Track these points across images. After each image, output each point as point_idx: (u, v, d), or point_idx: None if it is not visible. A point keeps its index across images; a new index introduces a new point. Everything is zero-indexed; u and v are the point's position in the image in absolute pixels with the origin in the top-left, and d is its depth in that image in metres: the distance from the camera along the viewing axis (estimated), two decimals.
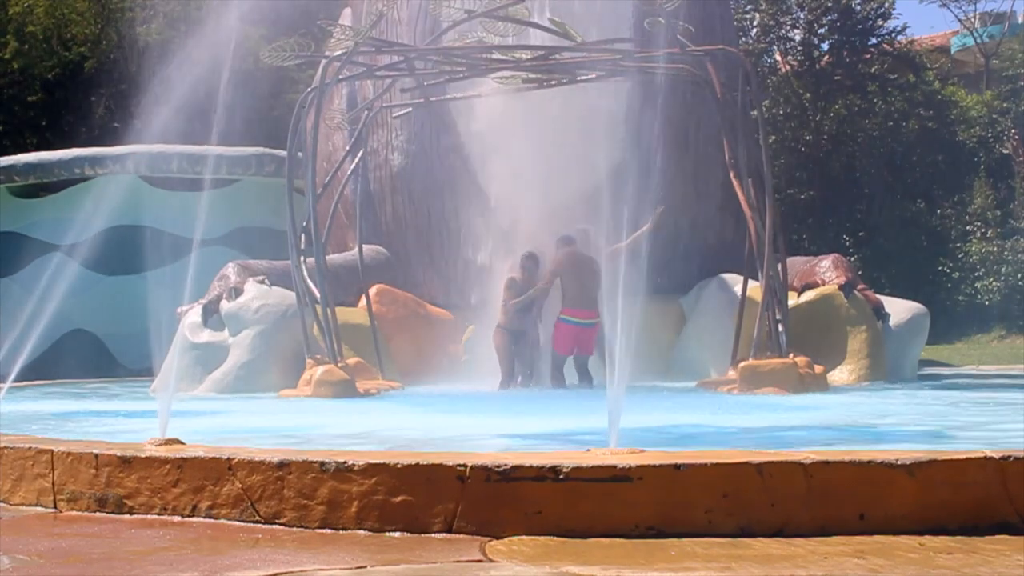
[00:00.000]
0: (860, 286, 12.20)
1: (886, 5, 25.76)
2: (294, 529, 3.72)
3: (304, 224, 11.07)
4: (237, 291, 11.87)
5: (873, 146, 24.51)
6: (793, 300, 11.46)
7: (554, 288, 11.30)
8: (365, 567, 3.17)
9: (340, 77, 11.76)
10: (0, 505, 4.42)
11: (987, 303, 21.86)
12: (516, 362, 11.24)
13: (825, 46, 26.50)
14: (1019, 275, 21.61)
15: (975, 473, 3.58)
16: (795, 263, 12.30)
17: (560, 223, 12.99)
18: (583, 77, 11.94)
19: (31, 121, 26.13)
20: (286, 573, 3.09)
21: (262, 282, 11.96)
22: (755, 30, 26.84)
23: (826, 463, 3.56)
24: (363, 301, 12.45)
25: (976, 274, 22.34)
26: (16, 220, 18.47)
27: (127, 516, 4.05)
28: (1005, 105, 24.79)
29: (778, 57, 27.58)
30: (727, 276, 12.49)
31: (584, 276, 11.01)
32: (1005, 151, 24.40)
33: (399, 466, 3.66)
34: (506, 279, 11.56)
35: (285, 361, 11.24)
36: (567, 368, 11.27)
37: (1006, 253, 22.14)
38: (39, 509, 4.31)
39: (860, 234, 23.64)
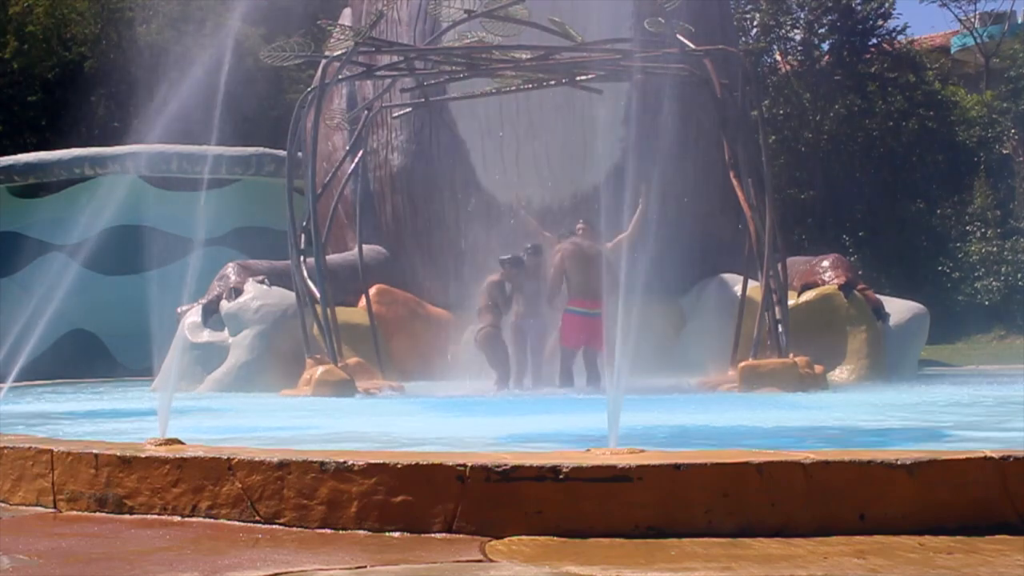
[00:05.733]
0: (860, 286, 12.20)
1: (886, 5, 25.78)
2: (294, 529, 3.72)
3: (304, 224, 11.08)
4: (237, 291, 11.87)
5: (873, 146, 24.52)
6: (793, 300, 11.46)
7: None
8: (365, 567, 3.17)
9: (340, 77, 11.77)
10: (0, 505, 4.42)
11: (987, 303, 21.88)
12: (520, 362, 11.11)
13: (825, 46, 26.53)
14: (1019, 275, 21.63)
15: (975, 473, 3.58)
16: (795, 263, 12.30)
17: (559, 222, 13.00)
18: (582, 77, 11.95)
19: (31, 121, 26.14)
20: (286, 573, 3.09)
21: (262, 282, 11.97)
22: (755, 30, 26.86)
23: (826, 463, 3.55)
24: (363, 301, 12.45)
25: (976, 274, 22.35)
26: (16, 220, 18.48)
27: (127, 516, 4.05)
28: (1005, 105, 24.81)
29: (778, 57, 27.59)
30: (727, 276, 12.49)
31: (589, 266, 10.77)
32: (1005, 151, 24.42)
33: (399, 466, 3.66)
34: (488, 282, 11.33)
35: (285, 361, 11.24)
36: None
37: (1006, 253, 22.16)
38: (39, 509, 4.30)
39: (860, 234, 23.65)
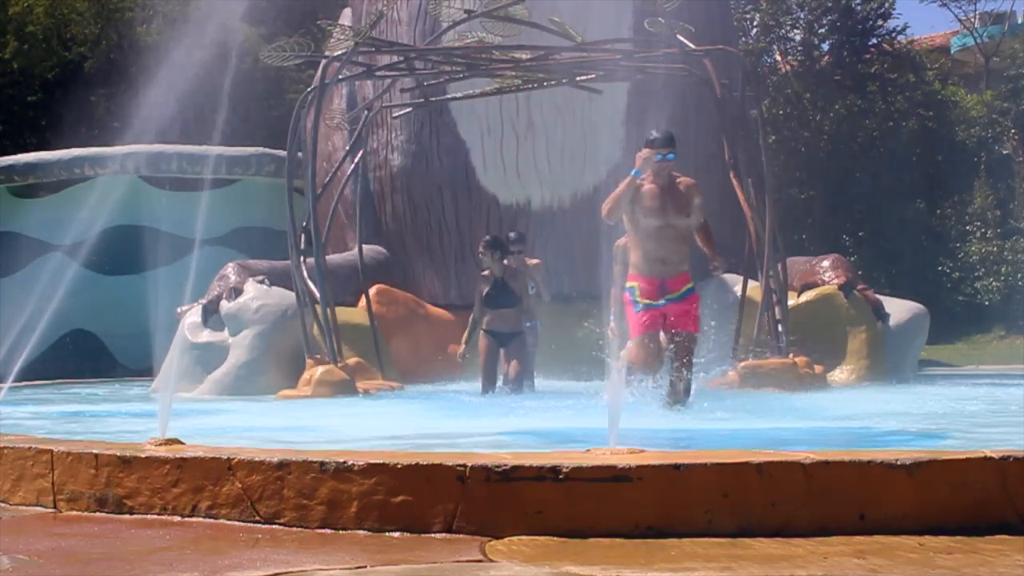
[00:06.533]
0: (860, 286, 12.20)
1: (886, 5, 25.78)
2: (294, 529, 3.72)
3: (304, 224, 11.08)
4: (237, 291, 11.86)
5: (873, 146, 24.52)
6: (793, 300, 11.46)
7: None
8: (365, 567, 3.17)
9: (340, 77, 11.77)
10: (0, 505, 4.42)
11: (987, 303, 21.88)
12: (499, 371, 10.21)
13: (825, 46, 26.53)
14: (1019, 275, 21.63)
15: (975, 473, 3.58)
16: (795, 263, 12.30)
17: (559, 222, 13.01)
18: (582, 77, 11.95)
19: (31, 121, 26.12)
20: (286, 573, 3.09)
21: (262, 282, 11.96)
22: (755, 30, 26.86)
23: (826, 463, 3.56)
24: (363, 301, 12.45)
25: (976, 274, 22.35)
26: (16, 220, 18.47)
27: (127, 516, 4.05)
28: (1005, 105, 24.81)
29: (778, 57, 27.60)
30: (727, 276, 12.46)
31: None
32: (1005, 151, 24.42)
33: (399, 466, 3.66)
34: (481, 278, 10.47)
35: (285, 361, 11.24)
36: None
37: (1006, 253, 22.16)
38: (39, 509, 4.30)
39: (860, 234, 23.65)
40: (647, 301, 7.38)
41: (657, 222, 7.45)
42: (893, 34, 26.30)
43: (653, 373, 7.37)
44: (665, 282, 7.43)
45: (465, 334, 10.41)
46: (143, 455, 4.11)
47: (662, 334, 7.47)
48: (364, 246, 12.95)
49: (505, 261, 10.24)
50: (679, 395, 7.42)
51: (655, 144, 7.49)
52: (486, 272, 10.26)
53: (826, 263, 12.32)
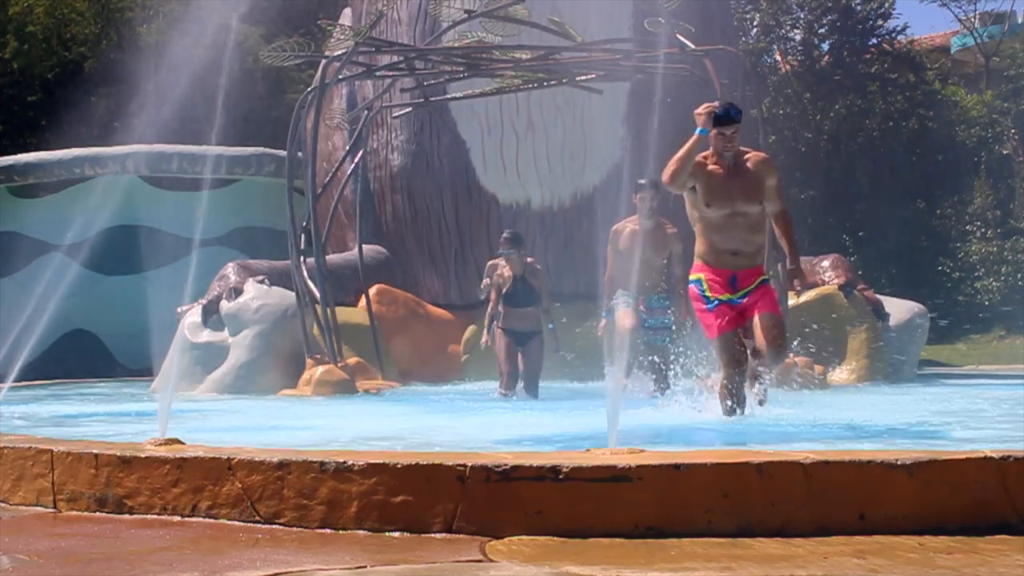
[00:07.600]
0: (860, 286, 12.21)
1: (886, 5, 25.79)
2: (294, 529, 3.72)
3: (304, 224, 11.08)
4: (237, 291, 11.87)
5: (873, 146, 24.52)
6: (793, 300, 11.46)
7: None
8: (365, 567, 3.17)
9: (340, 77, 11.77)
10: (0, 505, 4.42)
11: (987, 303, 21.89)
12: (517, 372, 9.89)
13: (825, 46, 26.54)
14: (1019, 275, 21.63)
15: (975, 473, 3.58)
16: None
17: (559, 222, 13.00)
18: (582, 77, 11.95)
19: (31, 121, 26.11)
20: (286, 573, 3.09)
21: (262, 282, 11.96)
22: (755, 30, 26.87)
23: (826, 463, 3.56)
24: (363, 301, 12.45)
25: (976, 274, 22.36)
26: (16, 220, 18.47)
27: (127, 516, 4.05)
28: (1005, 105, 24.81)
29: (778, 57, 27.60)
30: None
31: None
32: (1005, 151, 24.42)
33: (399, 466, 3.66)
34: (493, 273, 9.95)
35: (285, 361, 11.24)
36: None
37: (1006, 253, 22.17)
38: (39, 509, 4.30)
39: (860, 234, 23.65)
40: (719, 297, 6.40)
41: (724, 210, 6.44)
42: (893, 34, 26.32)
43: (743, 370, 6.40)
44: (736, 275, 6.43)
45: (485, 323, 9.99)
46: (143, 455, 4.11)
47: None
48: (364, 246, 12.95)
49: (529, 260, 9.85)
50: (760, 391, 6.63)
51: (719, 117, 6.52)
52: (505, 270, 9.76)
53: (826, 263, 12.33)
